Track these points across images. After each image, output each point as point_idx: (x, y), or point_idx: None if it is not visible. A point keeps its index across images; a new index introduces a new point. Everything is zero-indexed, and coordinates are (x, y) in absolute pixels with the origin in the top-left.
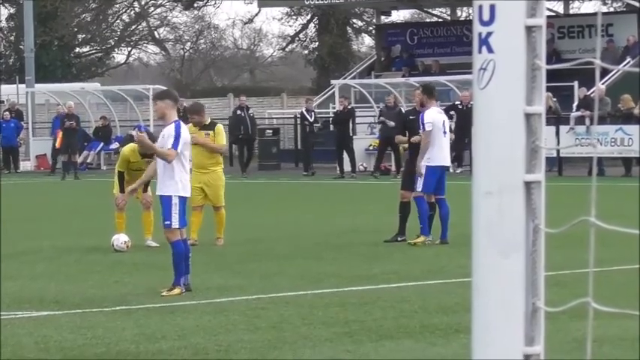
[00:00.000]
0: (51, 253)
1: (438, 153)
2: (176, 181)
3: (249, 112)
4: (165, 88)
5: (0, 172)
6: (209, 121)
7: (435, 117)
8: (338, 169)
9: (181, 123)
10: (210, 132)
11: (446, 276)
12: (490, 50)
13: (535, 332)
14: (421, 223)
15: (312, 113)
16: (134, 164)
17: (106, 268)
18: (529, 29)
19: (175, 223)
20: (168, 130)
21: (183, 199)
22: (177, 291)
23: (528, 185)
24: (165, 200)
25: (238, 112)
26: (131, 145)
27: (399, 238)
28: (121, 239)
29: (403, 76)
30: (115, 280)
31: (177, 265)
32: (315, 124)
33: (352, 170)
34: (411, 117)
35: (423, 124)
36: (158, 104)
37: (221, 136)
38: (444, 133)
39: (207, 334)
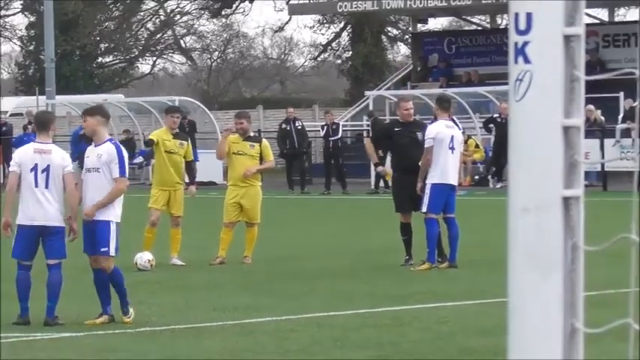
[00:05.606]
0: (72, 271)
1: (443, 171)
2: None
3: (297, 124)
4: (190, 98)
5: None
6: (252, 133)
7: (439, 131)
8: (372, 183)
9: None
10: (256, 144)
11: (485, 296)
12: (527, 61)
13: (574, 354)
14: (428, 247)
15: (337, 127)
16: None
17: (129, 288)
18: (567, 39)
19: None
20: (109, 151)
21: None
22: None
23: (567, 201)
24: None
25: (284, 125)
26: None
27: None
28: (144, 257)
29: (441, 86)
30: (138, 301)
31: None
32: (341, 139)
33: (386, 185)
34: (396, 129)
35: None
36: (88, 120)
37: (268, 151)
38: (451, 149)
39: (234, 357)
